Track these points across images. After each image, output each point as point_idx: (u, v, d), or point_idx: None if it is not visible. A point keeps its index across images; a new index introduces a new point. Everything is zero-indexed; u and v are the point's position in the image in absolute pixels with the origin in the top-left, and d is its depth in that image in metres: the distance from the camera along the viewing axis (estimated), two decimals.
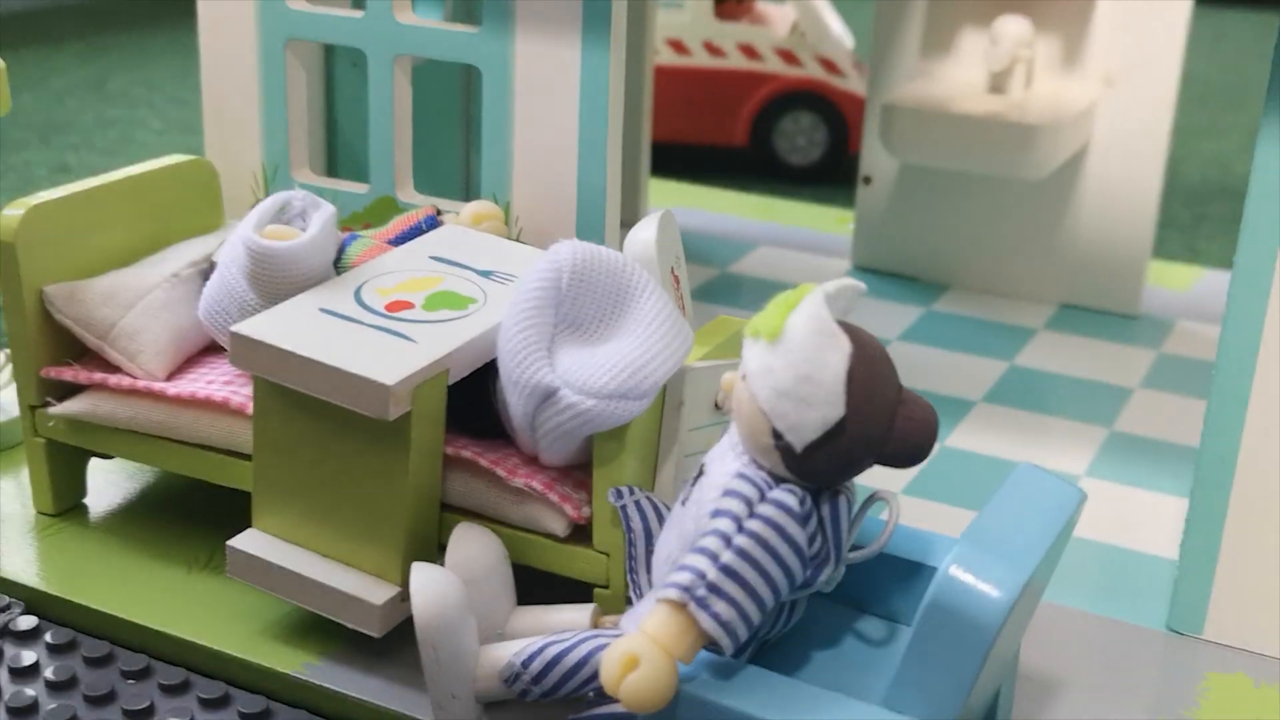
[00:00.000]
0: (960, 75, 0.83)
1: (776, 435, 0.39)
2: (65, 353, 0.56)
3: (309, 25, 0.62)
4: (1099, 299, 0.83)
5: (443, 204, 0.61)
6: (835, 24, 1.19)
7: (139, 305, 0.55)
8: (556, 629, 0.46)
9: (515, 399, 0.46)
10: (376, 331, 0.48)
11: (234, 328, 0.47)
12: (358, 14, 0.61)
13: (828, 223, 0.99)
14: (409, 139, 0.62)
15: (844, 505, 0.40)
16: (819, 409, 0.38)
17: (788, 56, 1.16)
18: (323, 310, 0.49)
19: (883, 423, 0.39)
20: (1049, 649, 0.51)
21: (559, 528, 0.48)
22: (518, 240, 0.59)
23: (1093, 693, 0.49)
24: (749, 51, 1.16)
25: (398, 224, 0.58)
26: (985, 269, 0.85)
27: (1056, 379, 0.75)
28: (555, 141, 0.58)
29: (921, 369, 0.75)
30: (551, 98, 0.57)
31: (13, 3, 1.80)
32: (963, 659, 0.37)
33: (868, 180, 0.87)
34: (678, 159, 1.20)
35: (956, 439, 0.68)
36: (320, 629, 0.50)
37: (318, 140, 0.69)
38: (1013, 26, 0.78)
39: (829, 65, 1.16)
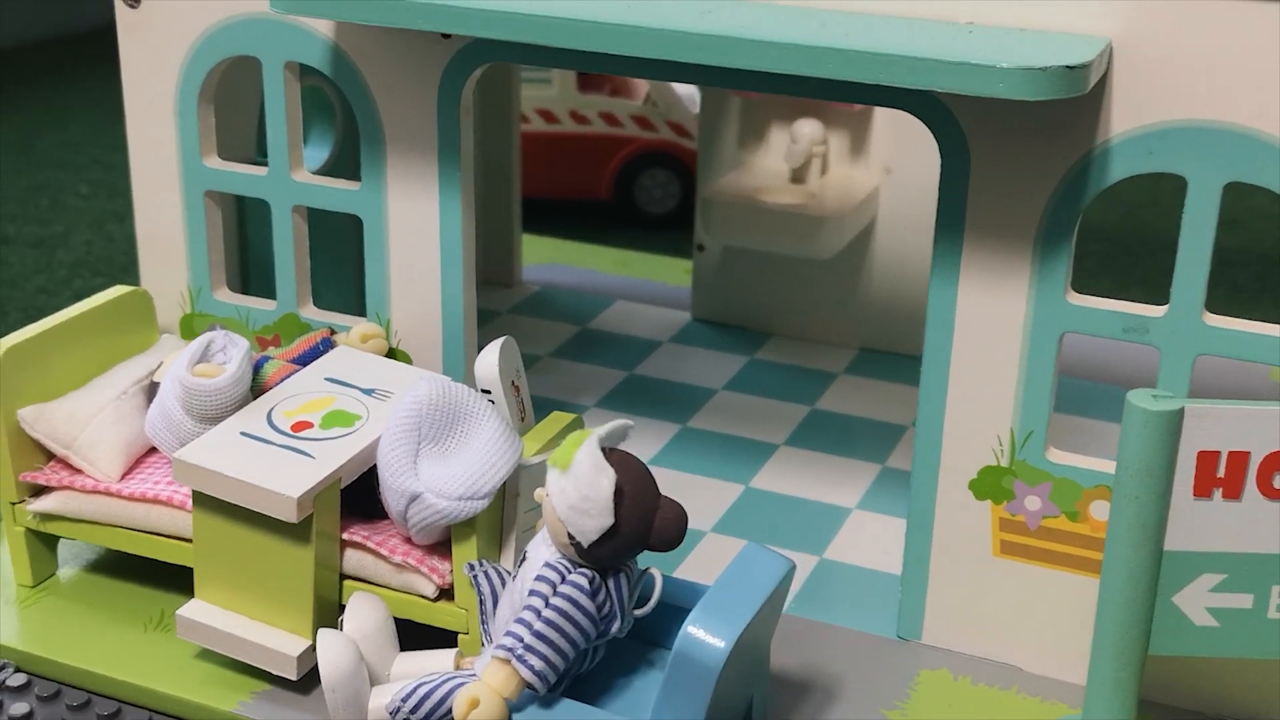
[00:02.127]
0: (770, 165, 0.99)
1: (570, 536, 0.55)
2: (37, 458, 0.71)
3: (222, 180, 0.77)
4: (891, 344, 0.99)
5: (337, 319, 0.76)
6: (684, 93, 1.35)
7: (95, 420, 0.70)
8: (428, 670, 0.61)
9: (391, 499, 0.62)
10: (284, 450, 0.63)
11: (175, 454, 0.63)
12: (262, 171, 0.76)
13: (676, 274, 1.14)
14: (307, 266, 0.77)
15: (624, 579, 0.57)
16: (596, 519, 0.54)
17: (643, 122, 1.32)
18: (243, 434, 0.64)
19: (644, 524, 0.55)
20: (802, 658, 0.68)
21: (429, 591, 0.64)
22: (398, 347, 0.75)
23: (830, 692, 0.66)
24: (609, 119, 1.33)
25: (300, 345, 0.73)
26: (799, 319, 1.01)
27: (849, 420, 0.91)
28: (422, 272, 0.74)
29: (739, 415, 0.91)
30: (418, 239, 0.73)
31: None
32: (697, 690, 0.53)
33: (701, 248, 1.03)
34: (554, 211, 1.36)
35: (760, 480, 0.84)
36: (251, 674, 0.65)
37: (233, 259, 0.83)
38: (808, 128, 0.94)
39: (679, 129, 1.33)
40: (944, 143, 0.62)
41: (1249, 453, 0.54)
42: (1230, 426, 0.54)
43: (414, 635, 0.64)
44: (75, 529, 0.70)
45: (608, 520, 0.54)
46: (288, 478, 0.61)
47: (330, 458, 0.63)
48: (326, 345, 0.73)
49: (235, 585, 0.65)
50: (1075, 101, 0.59)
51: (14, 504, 0.71)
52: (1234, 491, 0.55)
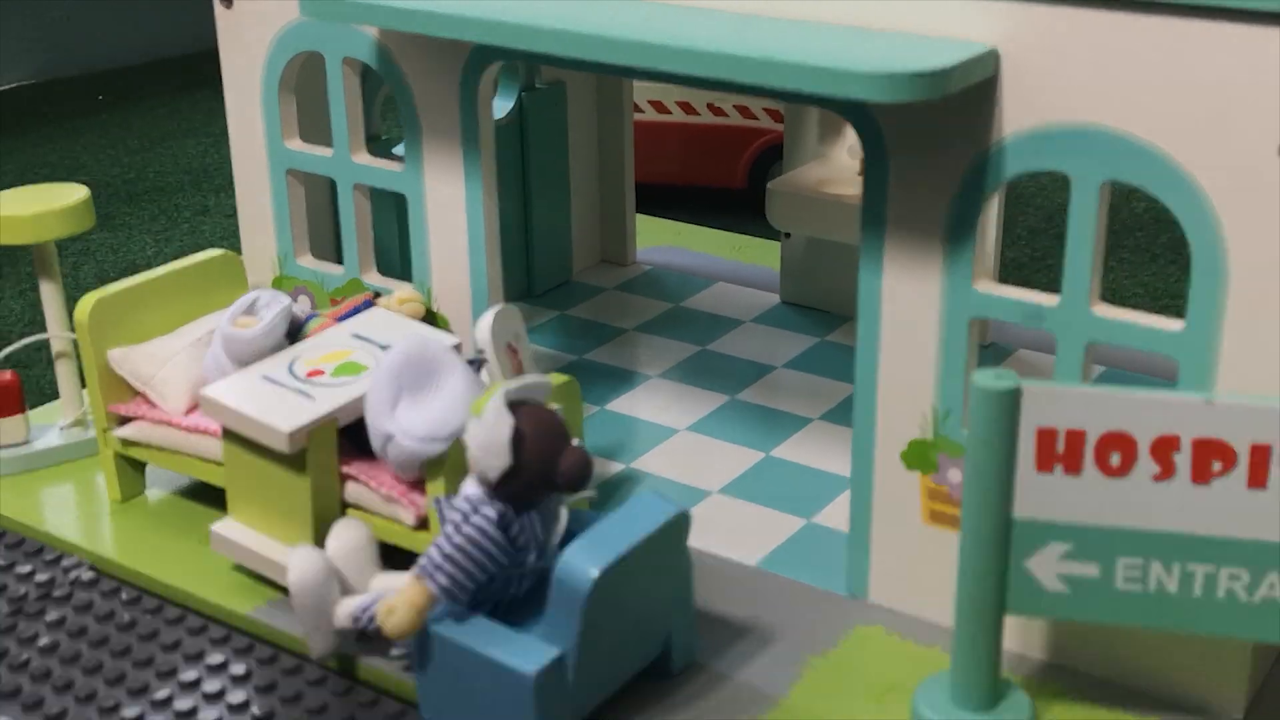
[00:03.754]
0: (844, 159, 1.04)
1: (481, 474, 0.63)
2: (126, 393, 0.83)
3: (299, 160, 0.88)
4: None
5: (392, 284, 0.87)
6: None
7: (170, 362, 0.82)
8: (397, 587, 0.71)
9: (373, 438, 0.72)
10: (292, 392, 0.74)
11: (201, 391, 0.74)
12: (329, 152, 0.86)
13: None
14: (369, 237, 0.88)
15: (537, 515, 0.65)
16: (497, 460, 0.62)
17: (775, 115, 1.38)
18: (264, 377, 0.75)
19: (546, 468, 0.63)
20: (752, 608, 0.74)
21: (409, 520, 0.73)
22: (437, 311, 0.85)
23: (765, 638, 0.72)
24: (744, 112, 1.39)
25: (346, 305, 0.84)
26: None
27: None
28: (454, 245, 0.83)
29: (788, 391, 0.98)
30: (450, 216, 0.82)
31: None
32: (571, 613, 0.61)
33: (787, 235, 1.09)
34: (694, 198, 1.44)
35: (781, 450, 0.90)
36: (268, 584, 0.76)
37: (323, 233, 0.95)
38: None
39: None
40: (866, 141, 0.68)
41: (1085, 432, 0.59)
42: (1066, 407, 0.59)
43: (402, 559, 0.74)
44: (149, 454, 0.82)
45: (506, 461, 0.62)
46: (285, 415, 0.72)
47: (328, 400, 0.73)
48: (367, 306, 0.83)
49: (255, 507, 0.76)
50: (972, 103, 0.64)
51: (104, 430, 0.83)
52: (1074, 467, 0.59)
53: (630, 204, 1.18)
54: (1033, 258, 1.34)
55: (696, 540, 0.80)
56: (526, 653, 0.62)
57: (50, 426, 0.91)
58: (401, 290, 0.84)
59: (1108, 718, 0.67)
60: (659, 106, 1.44)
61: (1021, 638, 0.70)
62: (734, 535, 0.81)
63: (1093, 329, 0.64)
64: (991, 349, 1.02)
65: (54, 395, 0.98)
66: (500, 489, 0.64)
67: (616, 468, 0.89)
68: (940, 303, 0.68)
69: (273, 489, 0.74)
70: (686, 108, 1.42)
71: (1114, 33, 0.60)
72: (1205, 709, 0.66)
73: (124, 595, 0.78)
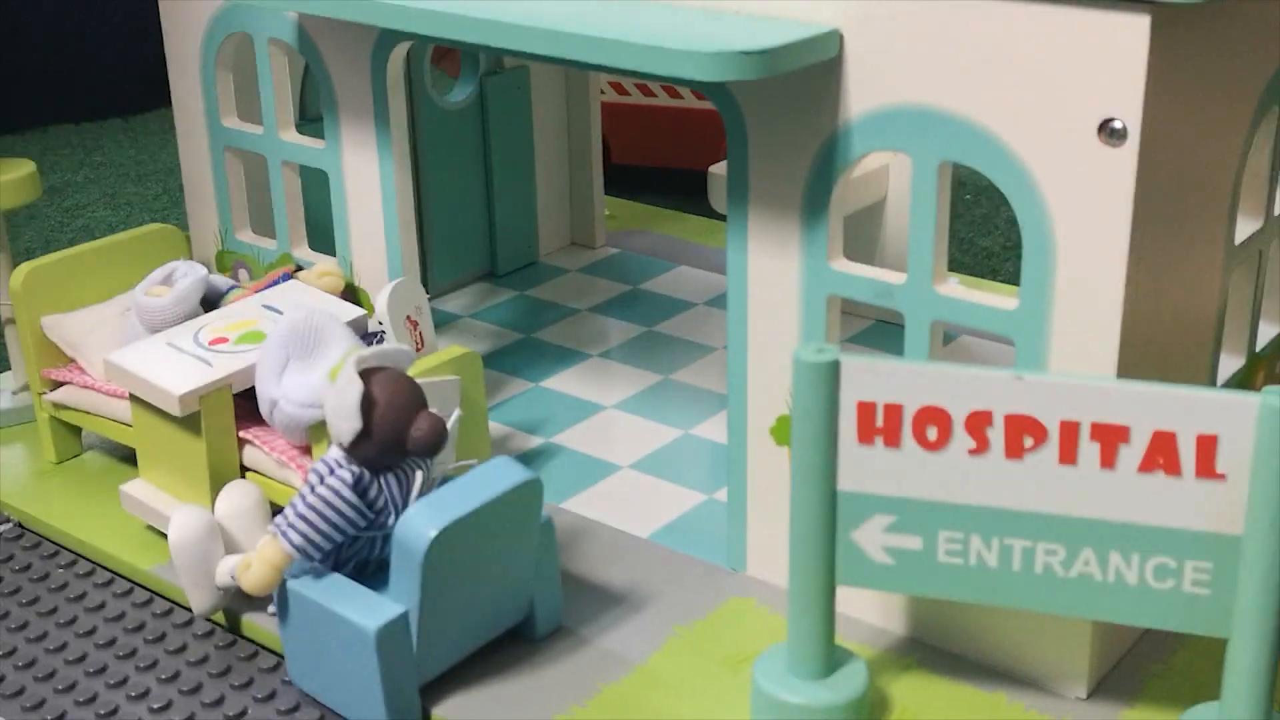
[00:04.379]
0: None
1: (334, 437, 0.66)
2: (61, 359, 0.87)
3: (235, 137, 0.91)
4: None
5: (320, 258, 0.89)
6: None
7: (97, 329, 0.85)
8: None
9: (261, 403, 0.75)
10: (191, 358, 0.77)
11: (105, 356, 0.77)
12: (259, 130, 0.89)
13: None
14: (300, 212, 0.91)
15: (395, 478, 0.67)
16: (347, 423, 0.65)
17: None
18: (168, 344, 0.78)
19: (397, 432, 0.65)
20: (628, 576, 0.76)
21: (299, 484, 0.76)
22: (358, 285, 0.87)
23: (635, 605, 0.74)
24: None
25: (267, 278, 0.87)
26: None
27: None
28: (372, 221, 0.86)
29: (718, 371, 0.99)
30: (367, 193, 0.85)
31: None
32: (412, 571, 0.63)
33: None
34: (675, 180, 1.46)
35: (701, 429, 0.92)
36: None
37: (262, 209, 0.98)
38: None
39: None
40: (728, 121, 0.69)
41: (903, 406, 0.60)
42: (884, 381, 0.60)
43: None
44: (77, 417, 0.86)
45: (355, 424, 0.65)
46: (179, 379, 0.75)
47: (224, 366, 0.76)
48: (285, 279, 0.86)
49: (160, 468, 0.79)
50: (821, 84, 0.65)
51: (39, 394, 0.87)
52: (893, 441, 0.60)
53: (598, 188, 1.20)
54: (1005, 247, 1.34)
55: (594, 512, 0.82)
56: (371, 609, 0.64)
57: (3, 391, 0.95)
58: (322, 264, 0.87)
59: (955, 692, 0.68)
60: (645, 90, 1.46)
61: (883, 613, 0.71)
62: (633, 509, 0.83)
63: (937, 307, 0.65)
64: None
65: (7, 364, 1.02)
66: (353, 452, 0.66)
67: (535, 442, 0.91)
68: (800, 280, 0.69)
69: (174, 451, 0.77)
70: (671, 91, 1.43)
71: (947, 15, 0.61)
72: (1049, 687, 0.67)
73: (42, 550, 0.81)
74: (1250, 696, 0.58)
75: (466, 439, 0.78)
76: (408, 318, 0.79)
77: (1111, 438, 0.58)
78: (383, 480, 0.67)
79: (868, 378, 0.60)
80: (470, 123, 1.11)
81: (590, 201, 1.20)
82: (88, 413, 0.85)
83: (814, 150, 0.66)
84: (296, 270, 0.87)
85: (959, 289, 0.65)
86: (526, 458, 0.89)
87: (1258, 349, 0.75)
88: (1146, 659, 0.69)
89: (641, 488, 0.85)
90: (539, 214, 1.18)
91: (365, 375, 0.66)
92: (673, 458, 0.88)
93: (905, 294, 0.66)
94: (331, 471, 0.66)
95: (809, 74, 0.65)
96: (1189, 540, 0.58)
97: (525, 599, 0.70)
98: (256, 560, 0.66)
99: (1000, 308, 0.63)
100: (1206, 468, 0.57)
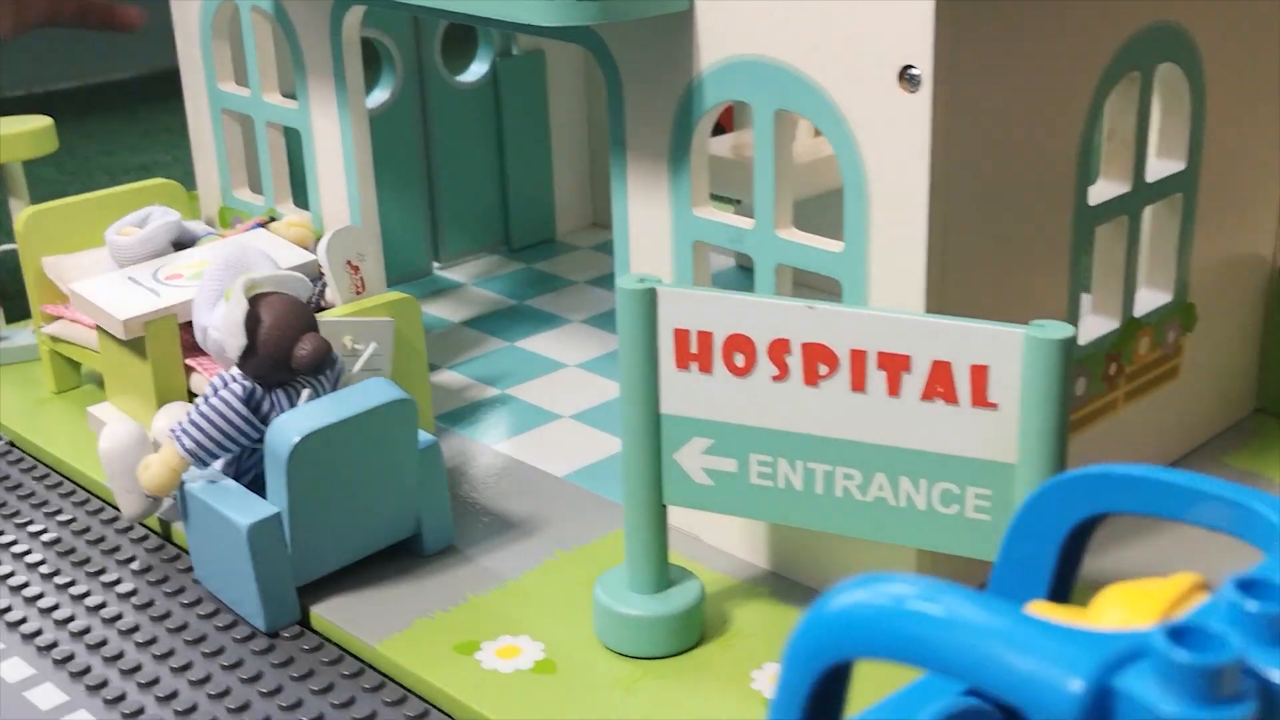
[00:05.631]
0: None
1: (226, 352, 0.72)
2: (59, 297, 0.95)
3: (228, 100, 0.99)
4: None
5: (300, 213, 0.97)
6: None
7: (90, 271, 0.94)
8: None
9: (196, 331, 0.82)
10: (144, 290, 0.84)
11: (68, 285, 0.85)
12: (246, 92, 0.97)
13: None
14: (285, 171, 0.98)
15: (284, 395, 0.73)
16: (233, 340, 0.71)
17: None
18: (128, 278, 0.86)
19: (281, 351, 0.72)
20: (531, 506, 0.81)
21: None
22: (320, 235, 0.94)
23: (527, 530, 0.79)
24: None
25: (241, 228, 0.94)
26: None
27: None
28: (335, 174, 0.92)
29: None
30: (331, 149, 0.92)
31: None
32: (279, 474, 0.69)
33: (738, 202, 1.15)
34: None
35: None
36: None
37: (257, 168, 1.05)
38: None
39: None
40: (606, 74, 0.74)
41: (713, 333, 0.64)
42: (696, 308, 0.64)
43: None
44: (69, 349, 0.94)
45: (241, 340, 0.71)
46: (127, 306, 0.82)
47: (171, 298, 0.83)
48: (255, 228, 0.93)
49: (120, 392, 0.86)
50: (679, 37, 0.70)
51: (38, 329, 0.96)
52: (706, 366, 0.65)
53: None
54: None
55: (521, 453, 0.88)
56: (247, 509, 0.71)
57: (26, 328, 1.04)
58: (293, 216, 0.94)
59: (792, 615, 0.71)
60: None
61: (749, 548, 0.75)
62: (560, 453, 0.88)
63: (779, 251, 0.69)
64: None
65: None
66: (244, 367, 0.72)
67: (490, 392, 0.96)
68: (670, 226, 0.73)
69: (129, 375, 0.85)
70: None
71: None
72: None
73: (23, 464, 0.90)
74: None
75: (404, 379, 0.84)
76: (348, 262, 0.86)
77: (895, 366, 0.61)
78: (274, 396, 0.73)
79: (682, 305, 0.64)
80: (484, 104, 1.17)
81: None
82: (76, 344, 0.93)
83: (675, 101, 0.71)
84: (270, 221, 0.94)
85: (798, 234, 0.69)
86: (476, 405, 0.94)
87: (1138, 314, 0.77)
88: None
89: (575, 435, 0.90)
90: (556, 194, 1.24)
91: (258, 299, 0.72)
92: (613, 411, 0.93)
93: (753, 239, 0.70)
94: (225, 385, 0.73)
95: (668, 27, 0.69)
96: (969, 467, 0.61)
97: (411, 516, 0.76)
98: (156, 460, 0.73)
99: (829, 250, 0.67)
100: (980, 397, 0.60)
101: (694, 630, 0.69)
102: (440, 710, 0.66)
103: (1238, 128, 0.80)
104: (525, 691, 0.66)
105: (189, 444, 0.72)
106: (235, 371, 0.73)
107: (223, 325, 0.72)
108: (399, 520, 0.75)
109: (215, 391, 0.73)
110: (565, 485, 0.84)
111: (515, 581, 0.75)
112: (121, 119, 1.86)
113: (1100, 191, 0.73)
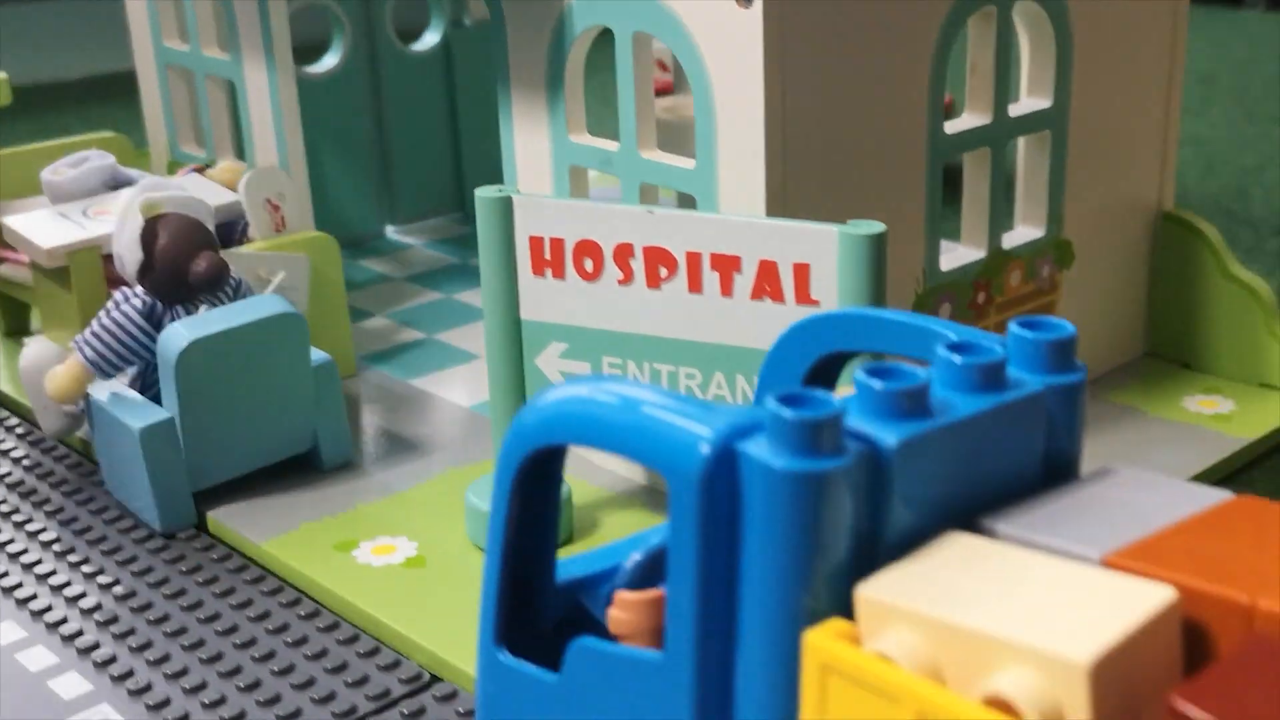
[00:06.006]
0: None
1: (123, 268, 0.77)
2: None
3: (173, 56, 1.04)
4: None
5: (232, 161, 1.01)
6: None
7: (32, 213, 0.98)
8: None
9: (115, 258, 0.86)
10: (69, 223, 0.89)
11: (1, 219, 0.90)
12: (186, 48, 1.02)
13: None
14: (225, 123, 1.03)
15: (184, 311, 0.77)
16: (129, 254, 0.76)
17: None
18: (58, 213, 0.90)
19: (175, 268, 0.76)
20: (436, 432, 0.85)
21: None
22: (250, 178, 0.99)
23: (424, 449, 0.82)
24: None
25: (180, 173, 0.98)
26: None
27: None
28: (265, 124, 0.97)
29: None
30: (260, 101, 0.96)
31: None
32: (169, 375, 0.73)
33: None
34: None
35: None
36: None
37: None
38: None
39: None
40: (490, 7, 0.78)
41: (564, 239, 0.68)
42: (549, 216, 0.68)
43: None
44: (14, 289, 0.99)
45: (136, 255, 0.75)
46: (51, 237, 0.87)
47: (94, 230, 0.88)
48: (190, 174, 0.97)
49: (52, 324, 0.91)
50: None
51: None
52: (559, 272, 0.68)
53: None
54: None
55: (433, 387, 0.91)
56: (141, 414, 0.75)
57: None
58: (227, 162, 0.99)
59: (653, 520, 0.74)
60: None
61: (626, 465, 0.79)
62: (470, 387, 0.92)
63: (642, 170, 0.73)
64: None
65: None
66: (143, 283, 0.77)
67: (415, 335, 1.00)
68: (550, 151, 0.77)
69: (57, 306, 0.89)
70: None
71: None
72: None
73: None
74: None
75: (322, 315, 0.88)
76: (267, 200, 0.90)
77: (728, 267, 0.64)
78: (173, 312, 0.77)
79: (536, 213, 0.68)
80: (436, 72, 1.22)
81: None
82: (21, 284, 0.98)
83: (550, 31, 0.75)
84: (206, 167, 0.99)
85: (658, 154, 0.72)
86: (400, 347, 0.98)
87: (1008, 246, 0.80)
88: None
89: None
90: None
91: (157, 219, 0.77)
92: None
93: (619, 160, 0.73)
94: (126, 300, 0.77)
95: None
96: None
97: (307, 431, 0.80)
98: (61, 370, 0.77)
99: (684, 168, 0.71)
100: (804, 294, 0.63)
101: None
102: (326, 608, 0.69)
103: (1114, 72, 0.83)
104: (393, 583, 0.70)
105: (90, 354, 0.76)
106: (137, 288, 0.78)
107: (120, 242, 0.76)
108: (295, 434, 0.79)
109: (116, 306, 0.77)
110: (470, 414, 0.88)
111: (404, 493, 0.78)
112: (76, 114, 1.91)
113: (960, 123, 0.76)
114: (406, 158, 1.22)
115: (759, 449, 0.35)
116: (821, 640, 0.35)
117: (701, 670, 0.37)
